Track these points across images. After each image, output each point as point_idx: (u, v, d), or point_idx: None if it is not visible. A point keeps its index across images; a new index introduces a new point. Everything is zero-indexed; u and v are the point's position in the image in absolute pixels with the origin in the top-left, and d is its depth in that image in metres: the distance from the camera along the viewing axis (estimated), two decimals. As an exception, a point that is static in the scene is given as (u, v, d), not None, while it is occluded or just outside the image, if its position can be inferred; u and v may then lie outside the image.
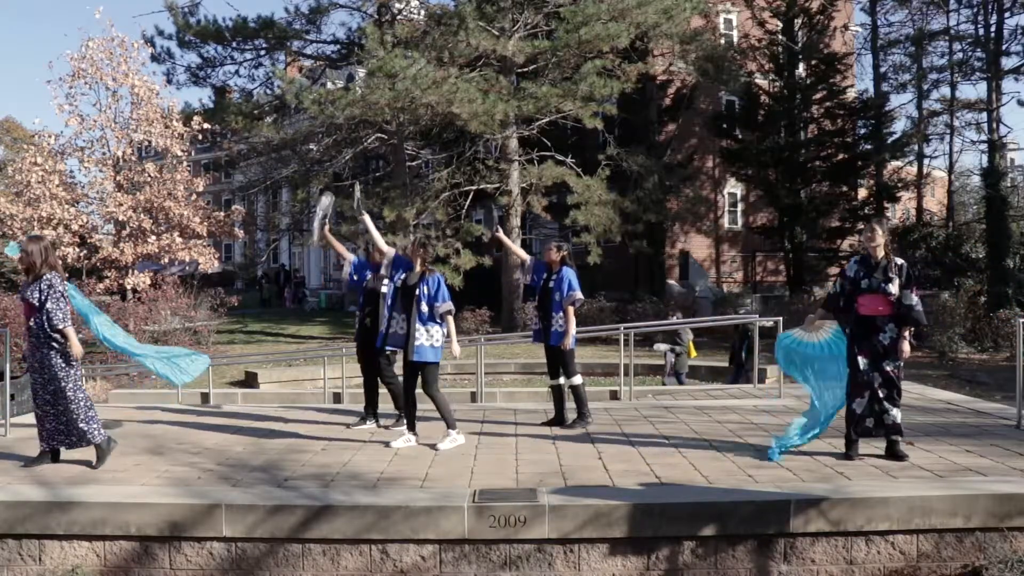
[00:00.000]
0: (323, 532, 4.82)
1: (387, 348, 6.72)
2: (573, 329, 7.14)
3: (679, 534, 4.81)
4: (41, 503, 5.01)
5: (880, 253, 5.82)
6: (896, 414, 5.83)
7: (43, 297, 5.80)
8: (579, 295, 7.14)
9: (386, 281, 6.86)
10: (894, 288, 5.73)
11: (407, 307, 6.45)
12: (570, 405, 7.52)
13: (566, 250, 7.36)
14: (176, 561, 4.89)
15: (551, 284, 7.21)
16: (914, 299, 5.76)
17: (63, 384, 5.85)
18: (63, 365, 5.85)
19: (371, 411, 7.56)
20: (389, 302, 6.64)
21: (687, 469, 5.67)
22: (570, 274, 7.18)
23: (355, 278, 7.49)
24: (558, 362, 7.33)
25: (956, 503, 4.84)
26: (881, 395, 5.78)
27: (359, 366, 7.59)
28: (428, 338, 6.38)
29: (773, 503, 4.87)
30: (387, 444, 6.61)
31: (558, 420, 7.43)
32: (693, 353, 13.44)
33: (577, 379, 7.34)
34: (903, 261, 5.91)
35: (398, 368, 7.20)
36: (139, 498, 5.06)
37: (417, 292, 6.41)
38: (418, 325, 6.36)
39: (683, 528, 4.81)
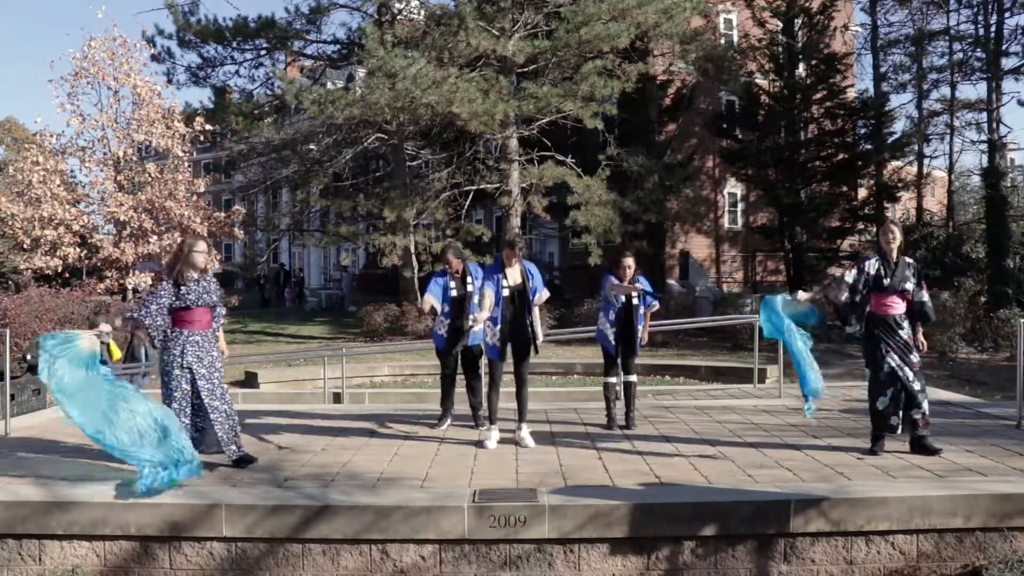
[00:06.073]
0: (323, 532, 4.82)
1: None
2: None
3: (679, 534, 4.81)
4: (41, 503, 5.01)
5: (896, 253, 5.98)
6: (926, 407, 6.00)
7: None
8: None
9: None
10: (910, 286, 5.95)
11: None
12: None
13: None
14: (176, 561, 4.89)
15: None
16: (926, 296, 6.03)
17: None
18: (163, 368, 5.78)
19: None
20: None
21: (687, 469, 5.67)
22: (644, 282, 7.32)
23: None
24: (631, 361, 7.43)
25: (956, 503, 4.85)
26: (916, 388, 5.92)
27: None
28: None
29: (773, 503, 4.87)
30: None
31: (628, 420, 7.38)
32: (116, 355, 10.82)
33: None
34: (911, 260, 6.10)
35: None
36: (139, 498, 5.06)
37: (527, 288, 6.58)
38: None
39: (683, 528, 4.81)
